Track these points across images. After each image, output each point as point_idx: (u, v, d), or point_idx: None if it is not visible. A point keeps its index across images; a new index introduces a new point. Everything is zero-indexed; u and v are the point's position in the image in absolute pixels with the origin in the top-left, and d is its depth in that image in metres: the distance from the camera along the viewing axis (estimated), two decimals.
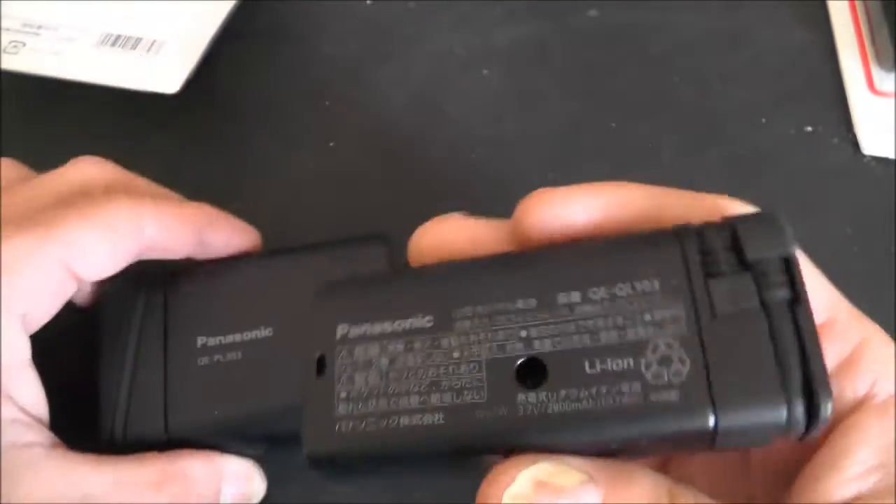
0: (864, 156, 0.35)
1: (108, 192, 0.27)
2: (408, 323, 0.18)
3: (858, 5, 0.40)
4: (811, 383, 0.15)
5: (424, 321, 0.18)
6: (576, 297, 0.17)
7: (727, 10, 0.41)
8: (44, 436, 0.24)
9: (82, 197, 0.26)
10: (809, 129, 0.36)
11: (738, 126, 0.37)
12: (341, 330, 0.18)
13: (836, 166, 0.35)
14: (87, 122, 0.37)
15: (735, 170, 0.35)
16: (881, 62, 0.37)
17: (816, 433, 0.15)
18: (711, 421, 0.15)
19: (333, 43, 0.40)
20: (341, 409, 0.18)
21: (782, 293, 0.16)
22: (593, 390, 0.16)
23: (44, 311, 0.25)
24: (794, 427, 0.15)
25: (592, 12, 0.41)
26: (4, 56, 0.36)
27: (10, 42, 0.36)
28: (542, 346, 0.17)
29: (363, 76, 0.39)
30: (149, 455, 0.25)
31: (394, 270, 0.21)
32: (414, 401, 0.17)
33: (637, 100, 0.38)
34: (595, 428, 0.16)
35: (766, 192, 0.34)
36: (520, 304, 0.17)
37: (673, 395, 0.16)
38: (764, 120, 0.37)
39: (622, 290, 0.17)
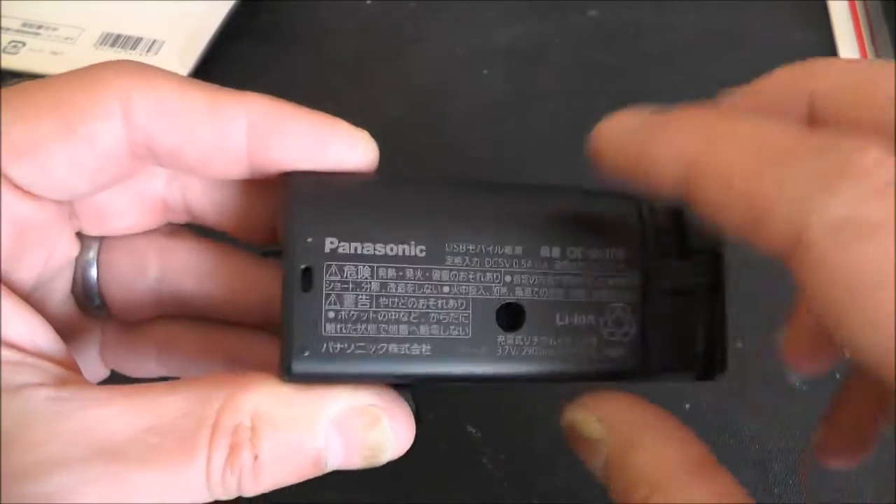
0: None
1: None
2: (400, 249, 0.18)
3: (858, 5, 0.40)
4: (713, 355, 0.19)
5: (417, 250, 0.18)
6: (556, 252, 0.19)
7: (727, 10, 0.41)
8: (46, 374, 0.17)
9: None
10: None
11: None
12: (330, 244, 0.18)
13: None
14: None
15: None
16: None
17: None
18: (643, 374, 0.19)
19: (333, 43, 0.40)
20: (329, 329, 0.18)
21: (708, 281, 0.19)
22: (561, 340, 0.18)
23: None
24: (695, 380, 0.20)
25: (592, 12, 0.41)
26: (4, 56, 0.36)
27: (10, 42, 0.36)
28: (524, 294, 0.19)
29: (363, 76, 0.39)
30: (207, 380, 0.17)
31: (382, 181, 0.19)
32: (403, 329, 0.18)
33: (637, 100, 0.37)
34: (559, 370, 0.19)
35: None
36: (507, 249, 0.19)
37: (620, 351, 0.19)
38: None
39: (594, 253, 0.19)
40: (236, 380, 0.18)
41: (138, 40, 0.37)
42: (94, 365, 0.23)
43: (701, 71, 0.39)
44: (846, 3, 0.40)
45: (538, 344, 0.18)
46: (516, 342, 0.18)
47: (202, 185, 0.21)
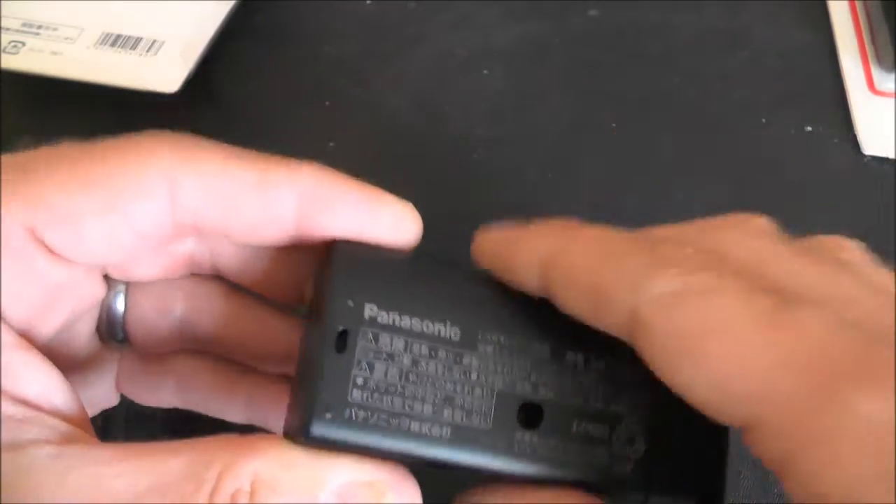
0: (864, 156, 0.35)
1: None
2: (436, 328, 0.18)
3: (858, 5, 0.40)
4: (714, 486, 0.19)
5: (452, 332, 0.18)
6: (581, 360, 0.19)
7: (727, 10, 0.41)
8: (53, 431, 0.17)
9: None
10: (809, 129, 0.36)
11: (738, 126, 0.37)
12: (370, 311, 0.18)
13: (836, 166, 0.35)
14: (86, 122, 0.37)
15: (735, 170, 0.35)
16: (881, 62, 0.37)
17: None
18: (642, 495, 0.19)
19: (333, 43, 0.40)
20: (355, 395, 0.17)
21: None
22: (573, 446, 0.19)
23: (19, 299, 0.18)
24: None
25: (592, 12, 0.41)
26: (4, 56, 0.36)
27: (10, 42, 0.36)
28: (545, 395, 0.19)
29: (363, 76, 0.39)
30: (212, 443, 0.17)
31: (426, 260, 0.20)
32: (427, 409, 0.18)
33: (637, 100, 0.38)
34: (568, 477, 0.19)
35: (765, 193, 0.34)
36: (536, 347, 0.19)
37: (626, 468, 0.19)
38: (764, 120, 0.37)
39: (616, 368, 0.19)
40: (241, 443, 0.17)
41: (138, 40, 0.37)
42: (106, 392, 0.23)
43: (701, 71, 0.39)
44: (846, 3, 0.40)
45: (552, 447, 0.18)
46: (532, 441, 0.18)
47: (233, 247, 0.21)
